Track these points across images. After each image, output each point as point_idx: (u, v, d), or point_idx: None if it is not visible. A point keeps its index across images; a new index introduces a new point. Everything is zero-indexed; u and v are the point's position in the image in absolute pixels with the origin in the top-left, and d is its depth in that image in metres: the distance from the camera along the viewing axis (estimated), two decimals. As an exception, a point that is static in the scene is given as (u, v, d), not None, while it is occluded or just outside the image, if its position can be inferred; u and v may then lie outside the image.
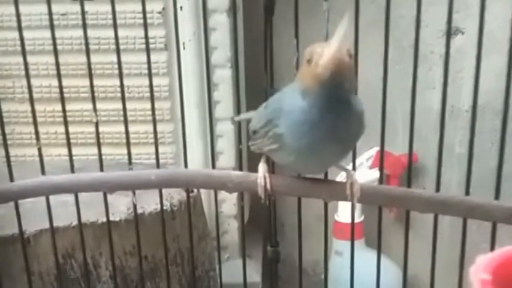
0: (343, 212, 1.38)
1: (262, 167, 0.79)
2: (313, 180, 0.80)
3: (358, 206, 1.34)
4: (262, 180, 0.78)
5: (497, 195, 0.80)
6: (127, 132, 0.85)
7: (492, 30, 0.81)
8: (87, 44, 0.82)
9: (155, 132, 0.86)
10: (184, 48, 1.22)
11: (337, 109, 0.66)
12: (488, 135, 1.11)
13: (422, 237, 1.03)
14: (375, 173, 1.33)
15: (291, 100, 0.68)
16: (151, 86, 0.85)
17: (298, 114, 0.67)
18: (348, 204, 0.82)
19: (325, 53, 0.61)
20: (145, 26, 0.82)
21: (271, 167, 0.82)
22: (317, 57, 0.62)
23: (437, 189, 0.82)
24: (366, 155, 1.38)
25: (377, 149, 1.35)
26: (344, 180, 0.78)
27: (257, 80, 0.98)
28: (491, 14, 0.78)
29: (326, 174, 0.83)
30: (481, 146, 0.83)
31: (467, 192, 0.81)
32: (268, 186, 0.78)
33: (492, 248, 0.80)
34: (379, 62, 0.80)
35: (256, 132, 0.76)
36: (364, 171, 1.37)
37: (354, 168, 0.87)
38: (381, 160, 0.88)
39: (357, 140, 0.73)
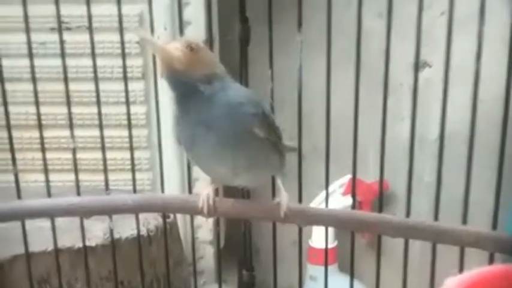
0: (317, 238, 1.40)
1: (206, 187, 0.80)
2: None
3: (331, 231, 1.36)
4: (205, 197, 0.79)
5: (464, 221, 0.83)
6: (104, 158, 0.86)
7: (458, 63, 0.85)
8: (65, 72, 0.83)
9: (132, 158, 0.87)
10: (162, 77, 1.23)
11: (190, 102, 0.69)
12: (456, 164, 1.13)
13: (394, 262, 1.05)
14: (348, 200, 1.35)
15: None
16: (128, 114, 0.86)
17: (174, 115, 0.73)
18: (322, 229, 0.84)
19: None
20: (123, 55, 0.84)
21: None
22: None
23: (408, 216, 0.84)
24: (339, 182, 1.40)
25: (349, 176, 1.37)
26: (320, 205, 0.80)
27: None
28: (457, 47, 0.81)
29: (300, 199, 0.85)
30: (449, 174, 0.86)
31: (436, 218, 0.83)
32: (211, 202, 0.79)
33: (460, 272, 0.82)
34: (351, 93, 0.83)
35: None
36: (337, 198, 1.39)
37: (327, 194, 0.89)
38: (353, 187, 0.90)
39: (248, 134, 0.72)
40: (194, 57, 0.68)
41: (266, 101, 0.81)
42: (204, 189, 0.80)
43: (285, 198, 0.79)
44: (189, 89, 0.68)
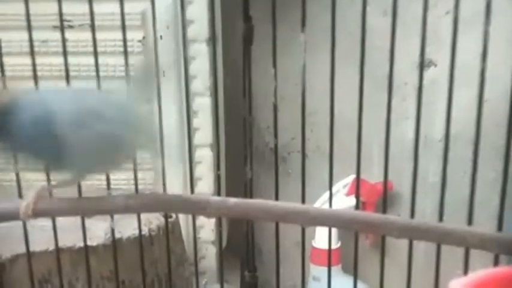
0: (320, 238, 1.39)
1: (31, 191, 0.79)
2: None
3: (334, 232, 1.35)
4: (29, 199, 0.77)
5: (469, 222, 0.82)
6: (106, 157, 0.86)
7: (464, 62, 0.84)
8: (67, 70, 0.83)
9: (134, 158, 0.87)
10: (164, 76, 1.23)
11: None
12: (461, 164, 1.12)
13: (398, 263, 1.04)
14: (351, 200, 1.34)
15: None
16: (131, 112, 0.86)
17: None
18: (325, 230, 0.83)
19: None
20: (125, 54, 0.84)
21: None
22: None
23: (412, 216, 0.83)
24: (343, 183, 1.40)
25: (353, 176, 1.37)
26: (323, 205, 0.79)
27: (236, 108, 0.99)
28: (463, 46, 0.80)
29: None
30: (454, 175, 0.85)
31: (440, 219, 0.83)
32: (29, 211, 0.77)
33: (465, 274, 0.82)
34: (355, 93, 0.82)
35: None
36: (341, 198, 1.39)
37: (331, 195, 0.88)
38: (357, 187, 0.90)
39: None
40: None
41: (269, 100, 0.80)
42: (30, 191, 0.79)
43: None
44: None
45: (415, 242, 0.85)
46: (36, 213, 0.76)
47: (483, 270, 0.66)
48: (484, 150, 0.82)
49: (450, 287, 0.62)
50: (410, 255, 0.87)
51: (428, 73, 1.33)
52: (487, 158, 0.87)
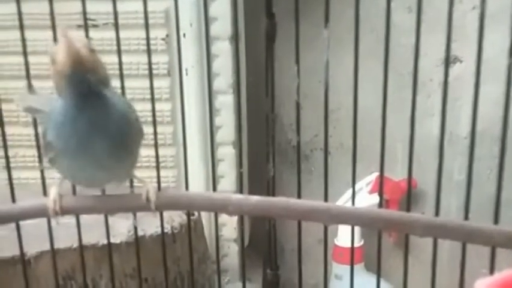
0: (342, 236, 1.39)
1: (53, 189, 0.77)
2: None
3: (357, 230, 1.34)
4: (51, 203, 0.76)
5: (496, 220, 0.81)
6: (130, 155, 0.86)
7: (490, 58, 0.82)
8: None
9: (157, 156, 0.87)
10: (187, 74, 1.24)
11: (89, 103, 0.66)
12: (487, 162, 1.11)
13: (422, 262, 1.03)
14: (375, 198, 1.33)
15: (54, 105, 0.69)
16: (154, 111, 0.86)
17: (58, 116, 0.68)
18: (348, 228, 0.83)
19: (59, 49, 0.62)
20: (148, 52, 0.84)
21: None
22: (55, 55, 0.63)
23: (437, 214, 0.82)
24: (366, 180, 1.39)
25: (377, 174, 1.35)
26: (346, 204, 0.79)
27: (258, 105, 0.99)
28: (489, 42, 0.79)
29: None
30: (480, 172, 0.84)
31: (466, 218, 0.82)
32: (57, 208, 0.76)
33: (491, 273, 0.80)
34: (379, 89, 0.81)
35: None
36: (364, 196, 1.38)
37: (354, 192, 0.88)
38: (380, 185, 0.89)
39: (131, 141, 0.73)
40: (95, 58, 0.66)
41: (291, 97, 0.80)
42: (51, 190, 0.77)
43: (150, 187, 0.78)
44: (90, 88, 0.66)
45: (439, 241, 0.84)
46: (63, 211, 0.77)
47: (510, 269, 0.65)
48: (510, 147, 0.80)
49: (476, 287, 0.61)
50: (434, 254, 0.86)
51: (454, 69, 1.31)
52: (513, 155, 0.85)
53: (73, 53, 0.62)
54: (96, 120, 0.67)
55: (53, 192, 0.76)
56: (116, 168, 0.74)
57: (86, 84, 0.64)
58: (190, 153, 0.94)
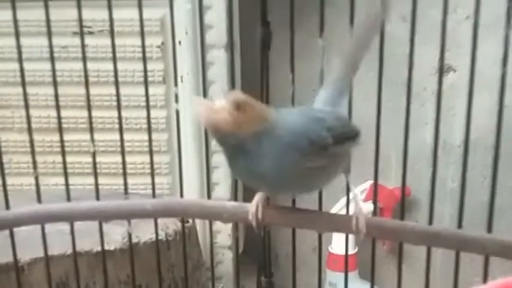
0: (337, 244, 1.39)
1: (257, 195, 0.79)
2: (310, 211, 0.80)
3: (351, 238, 1.34)
4: (254, 208, 0.78)
5: (489, 229, 0.81)
6: (124, 162, 0.86)
7: (483, 67, 0.83)
8: (86, 76, 0.83)
9: (152, 163, 0.87)
10: (182, 81, 1.24)
11: (241, 151, 0.67)
12: (480, 170, 1.11)
13: (415, 270, 1.03)
14: (369, 206, 1.33)
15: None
16: (149, 118, 0.86)
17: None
18: (342, 236, 0.83)
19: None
20: (144, 59, 0.84)
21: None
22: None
23: (430, 223, 0.83)
24: (360, 188, 1.39)
25: (371, 182, 1.36)
26: (340, 212, 0.79)
27: (253, 113, 0.99)
28: (483, 52, 0.80)
29: (320, 206, 0.84)
30: (473, 181, 0.84)
31: (459, 226, 0.82)
32: (259, 215, 0.78)
33: (484, 282, 0.81)
34: (373, 98, 0.82)
35: None
36: (358, 204, 1.38)
37: (348, 201, 0.88)
38: (374, 193, 0.89)
39: (298, 169, 0.70)
40: (241, 117, 0.66)
41: (286, 105, 0.80)
42: (256, 196, 0.79)
43: (361, 211, 0.79)
44: (237, 146, 0.67)
45: (433, 249, 0.84)
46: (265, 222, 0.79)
47: (503, 278, 0.65)
48: (504, 156, 0.81)
49: (469, 295, 0.61)
50: (428, 262, 0.86)
51: (448, 78, 1.32)
52: (507, 164, 0.86)
53: (209, 124, 0.66)
54: (253, 169, 0.68)
55: (256, 199, 0.78)
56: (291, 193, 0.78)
57: (228, 144, 0.67)
58: (185, 160, 0.94)
